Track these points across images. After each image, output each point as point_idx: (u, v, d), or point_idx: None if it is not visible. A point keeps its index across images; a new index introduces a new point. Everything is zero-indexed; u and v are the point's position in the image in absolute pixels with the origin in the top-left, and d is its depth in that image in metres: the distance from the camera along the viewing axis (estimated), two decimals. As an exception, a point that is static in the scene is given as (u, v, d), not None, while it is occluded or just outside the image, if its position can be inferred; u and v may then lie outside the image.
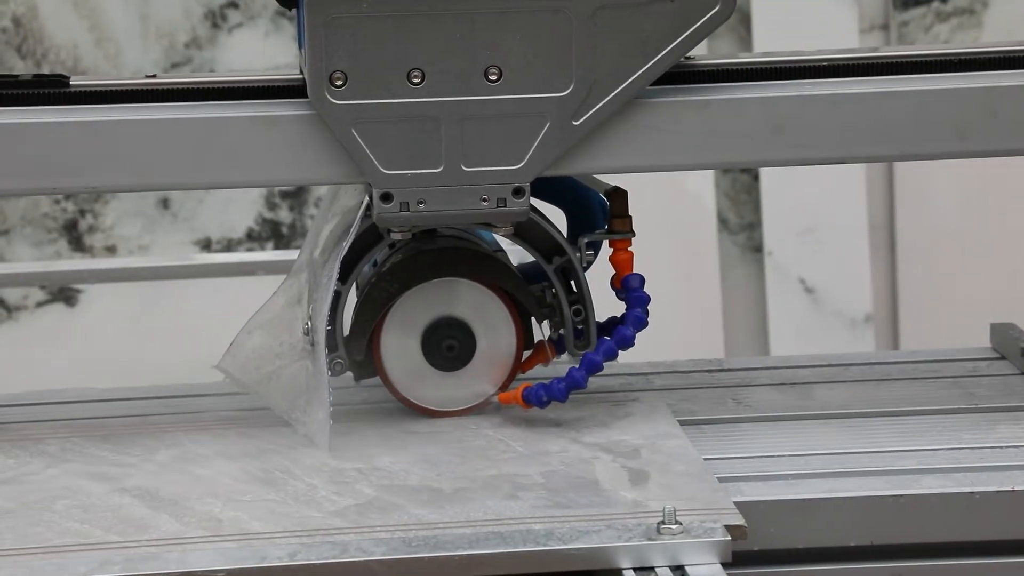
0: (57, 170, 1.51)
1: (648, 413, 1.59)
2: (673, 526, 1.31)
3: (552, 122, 1.50)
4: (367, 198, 1.51)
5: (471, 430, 1.56)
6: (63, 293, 2.95)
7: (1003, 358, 1.75)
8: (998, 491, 1.41)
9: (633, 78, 1.49)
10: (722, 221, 3.01)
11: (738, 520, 1.34)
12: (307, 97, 1.49)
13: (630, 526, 1.33)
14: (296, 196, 2.97)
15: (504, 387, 1.58)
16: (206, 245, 2.96)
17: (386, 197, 1.50)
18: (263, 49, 2.94)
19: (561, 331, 1.58)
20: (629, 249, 1.57)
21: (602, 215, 1.60)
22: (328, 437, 1.50)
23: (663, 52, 1.49)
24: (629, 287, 1.57)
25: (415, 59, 1.48)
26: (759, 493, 1.41)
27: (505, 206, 1.50)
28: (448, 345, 1.56)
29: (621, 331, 1.55)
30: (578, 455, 1.50)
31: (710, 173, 2.94)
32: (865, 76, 1.55)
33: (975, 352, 1.77)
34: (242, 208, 2.96)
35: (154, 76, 1.55)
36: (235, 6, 2.94)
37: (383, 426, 1.57)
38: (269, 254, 2.81)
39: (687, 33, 1.49)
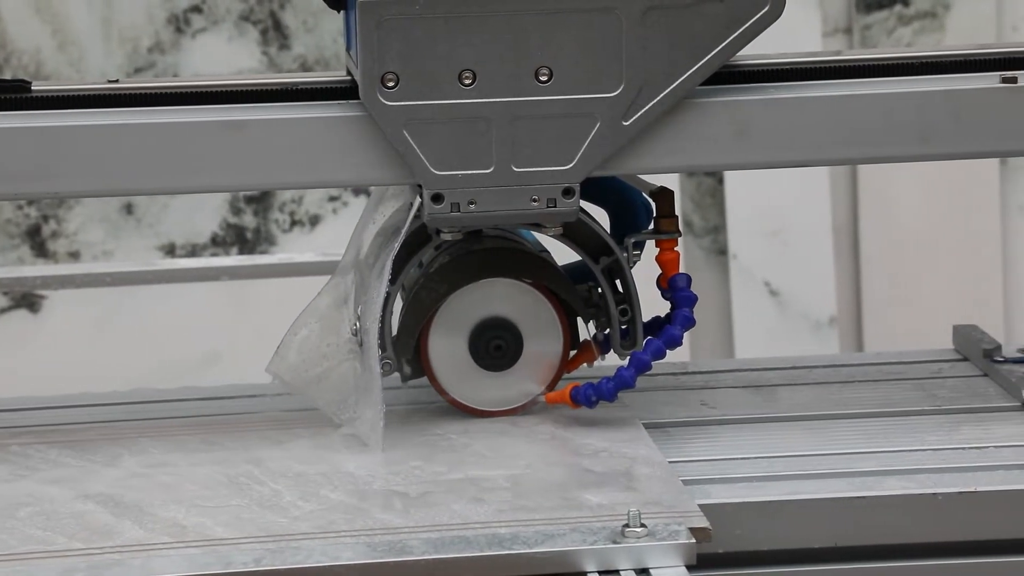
0: (19, 176, 1.51)
1: (613, 416, 1.59)
2: (638, 529, 1.32)
3: (602, 122, 1.51)
4: (416, 198, 1.52)
5: (436, 434, 1.56)
6: (26, 299, 2.94)
7: (965, 359, 1.75)
8: (960, 492, 1.41)
9: (683, 78, 1.50)
10: (687, 224, 3.01)
11: (703, 523, 1.35)
12: (356, 99, 1.50)
13: (595, 529, 1.33)
14: (261, 201, 2.97)
15: (551, 387, 1.59)
16: (170, 250, 2.95)
17: (437, 198, 1.51)
18: (227, 54, 2.93)
19: (607, 331, 1.58)
20: (676, 249, 1.58)
21: (645, 215, 1.61)
22: (381, 437, 1.50)
23: (713, 52, 1.50)
24: (676, 287, 1.58)
25: (466, 60, 1.49)
26: (724, 495, 1.41)
27: (555, 206, 1.51)
28: (496, 345, 1.57)
29: (669, 330, 1.56)
30: (543, 458, 1.50)
31: (674, 176, 2.94)
32: (829, 80, 1.56)
33: (938, 354, 1.77)
34: (207, 213, 2.96)
35: (116, 81, 1.54)
36: (199, 11, 2.93)
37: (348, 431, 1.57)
38: (234, 259, 2.81)
39: (737, 33, 1.50)
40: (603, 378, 1.56)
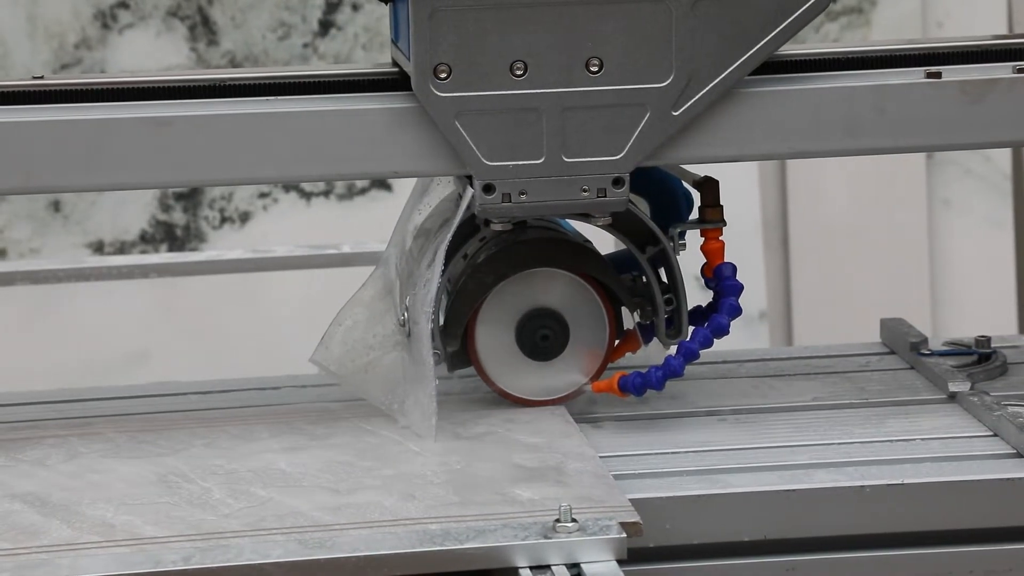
0: (-56, 173, 1.49)
1: (544, 411, 1.59)
2: (569, 524, 1.32)
3: (652, 112, 1.52)
4: (466, 189, 1.52)
5: (367, 431, 1.56)
6: (-48, 297, 2.91)
7: (893, 352, 1.77)
8: (888, 484, 1.43)
9: (732, 68, 1.51)
10: (617, 220, 3.02)
11: (633, 517, 1.35)
12: (405, 90, 1.51)
13: (526, 524, 1.33)
14: (190, 198, 2.95)
15: (596, 376, 1.59)
16: (99, 248, 2.93)
17: (488, 188, 1.52)
18: (153, 50, 2.91)
19: (650, 320, 1.59)
20: (720, 238, 1.59)
21: (685, 205, 1.62)
22: (434, 427, 1.51)
23: (762, 42, 1.51)
24: (722, 276, 1.59)
25: (518, 51, 1.50)
26: (654, 490, 1.42)
27: (605, 196, 1.52)
28: (542, 335, 1.57)
29: (716, 319, 1.57)
30: (474, 454, 1.50)
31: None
32: (757, 75, 1.56)
33: (866, 347, 1.79)
34: (135, 210, 2.94)
35: (41, 77, 1.53)
36: (125, 6, 2.91)
37: (278, 428, 1.57)
38: (163, 256, 2.79)
39: (786, 23, 1.51)
40: (651, 367, 1.57)
